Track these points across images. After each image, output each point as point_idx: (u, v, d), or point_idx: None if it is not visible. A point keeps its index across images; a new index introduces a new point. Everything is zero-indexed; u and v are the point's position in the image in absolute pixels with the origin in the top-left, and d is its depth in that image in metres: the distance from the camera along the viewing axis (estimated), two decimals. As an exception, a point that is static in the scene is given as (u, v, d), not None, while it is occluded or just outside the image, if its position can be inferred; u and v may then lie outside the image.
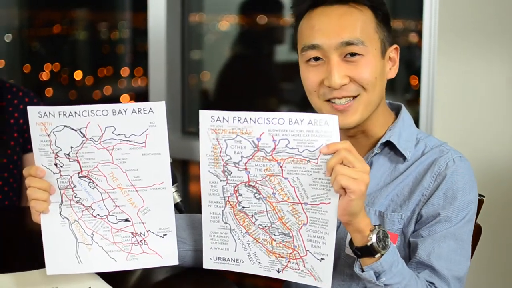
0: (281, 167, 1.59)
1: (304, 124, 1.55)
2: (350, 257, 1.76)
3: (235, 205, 1.67)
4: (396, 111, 1.88)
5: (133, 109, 1.67)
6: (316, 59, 1.75)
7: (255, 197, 1.65)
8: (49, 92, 4.57)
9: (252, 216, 1.67)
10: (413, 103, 3.35)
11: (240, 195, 1.66)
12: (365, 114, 1.76)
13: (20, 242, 2.19)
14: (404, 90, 3.57)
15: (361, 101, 1.74)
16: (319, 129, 1.54)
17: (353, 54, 1.72)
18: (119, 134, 1.70)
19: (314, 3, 1.76)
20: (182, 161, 3.83)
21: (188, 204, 3.89)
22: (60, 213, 1.74)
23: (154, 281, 1.88)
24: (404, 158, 1.80)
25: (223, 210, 1.69)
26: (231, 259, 1.73)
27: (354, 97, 1.74)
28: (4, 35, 4.63)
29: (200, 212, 1.75)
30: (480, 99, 2.78)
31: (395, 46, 1.82)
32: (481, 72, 2.76)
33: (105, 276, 1.80)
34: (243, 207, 1.67)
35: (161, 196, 1.73)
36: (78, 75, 4.65)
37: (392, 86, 3.55)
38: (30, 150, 2.67)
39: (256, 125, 1.58)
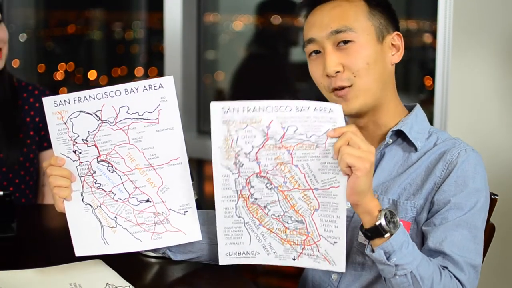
0: (290, 154, 1.62)
1: (311, 111, 1.58)
2: (363, 245, 1.79)
3: (248, 197, 1.69)
4: (411, 110, 1.90)
5: (144, 86, 1.72)
6: (317, 52, 1.84)
7: (267, 187, 1.67)
8: (63, 91, 4.58)
9: (264, 207, 1.69)
10: (427, 103, 3.35)
11: (252, 187, 1.67)
12: (367, 99, 1.80)
13: (38, 239, 2.21)
14: (418, 91, 3.58)
15: (358, 88, 1.79)
16: (325, 116, 1.58)
17: (346, 42, 1.79)
18: (133, 113, 1.73)
19: (312, 4, 1.87)
20: (198, 160, 3.84)
21: (204, 202, 3.89)
22: (82, 200, 1.77)
23: (171, 278, 1.89)
24: (416, 149, 1.83)
25: (236, 204, 1.70)
26: (247, 252, 1.74)
27: (349, 86, 1.79)
28: (19, 35, 4.65)
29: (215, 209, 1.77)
30: (494, 100, 2.78)
31: (396, 32, 1.86)
32: (495, 72, 2.76)
33: (123, 272, 1.81)
34: (256, 198, 1.69)
35: (178, 173, 1.76)
36: (92, 74, 4.67)
37: (406, 87, 3.56)
38: (47, 148, 2.70)
39: (265, 114, 1.61)
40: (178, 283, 1.87)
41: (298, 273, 2.02)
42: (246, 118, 1.62)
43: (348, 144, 1.57)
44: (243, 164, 1.65)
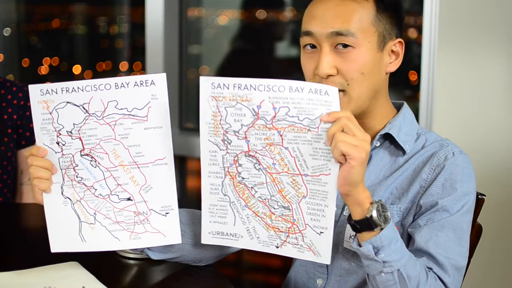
0: (281, 136, 1.58)
1: (305, 92, 1.54)
2: (349, 251, 1.77)
3: (235, 176, 1.66)
4: (398, 109, 1.87)
5: (135, 82, 1.69)
6: (313, 47, 1.77)
7: (255, 167, 1.63)
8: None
9: (251, 188, 1.66)
10: (412, 99, 3.34)
11: (240, 165, 1.64)
12: (357, 107, 1.76)
13: (14, 240, 2.18)
14: (403, 86, 3.56)
15: (350, 96, 1.74)
16: (319, 98, 1.53)
17: (345, 46, 1.72)
18: (121, 109, 1.70)
19: None
20: (180, 157, 3.82)
21: (186, 200, 3.88)
22: (62, 193, 1.74)
23: (150, 281, 1.86)
24: (404, 152, 1.79)
25: (222, 181, 1.67)
26: (230, 233, 1.71)
27: (342, 91, 1.73)
28: (2, 29, 4.62)
29: (198, 208, 1.75)
30: (480, 95, 2.77)
31: (399, 39, 1.80)
32: (481, 68, 2.75)
33: (100, 275, 1.78)
34: (243, 178, 1.66)
35: (163, 173, 1.73)
36: (77, 69, 4.65)
37: (390, 82, 3.53)
38: (25, 146, 2.67)
39: (257, 92, 1.57)
40: (157, 285, 1.84)
41: (283, 268, 1.99)
42: (236, 95, 1.58)
43: (342, 131, 1.52)
44: (231, 142, 1.63)
